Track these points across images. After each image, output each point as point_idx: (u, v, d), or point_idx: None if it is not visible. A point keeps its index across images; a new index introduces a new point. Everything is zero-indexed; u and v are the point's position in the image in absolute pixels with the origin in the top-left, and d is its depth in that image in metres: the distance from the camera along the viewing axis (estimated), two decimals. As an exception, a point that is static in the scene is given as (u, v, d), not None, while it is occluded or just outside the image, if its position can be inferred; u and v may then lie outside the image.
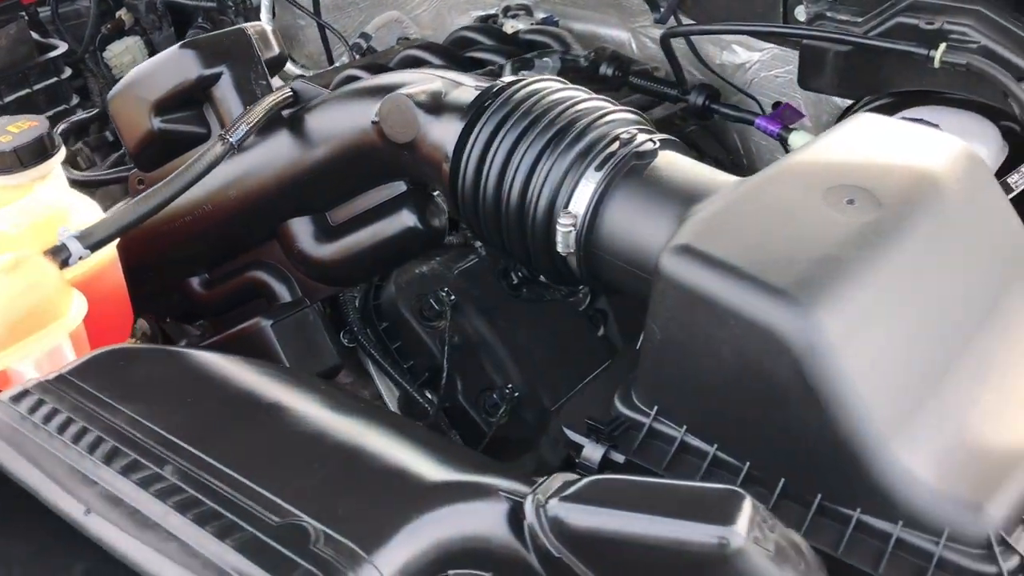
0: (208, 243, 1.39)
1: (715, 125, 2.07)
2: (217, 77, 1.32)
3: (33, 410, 0.80)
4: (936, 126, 1.23)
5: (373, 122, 1.20)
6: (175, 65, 1.32)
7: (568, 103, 1.07)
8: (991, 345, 0.88)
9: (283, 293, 1.40)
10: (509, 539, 0.73)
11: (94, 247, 1.08)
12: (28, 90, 2.15)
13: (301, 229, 1.35)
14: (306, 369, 1.38)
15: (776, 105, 1.82)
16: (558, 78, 1.15)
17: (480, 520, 0.73)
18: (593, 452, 0.93)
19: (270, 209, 1.34)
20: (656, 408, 0.93)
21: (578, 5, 2.36)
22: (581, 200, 1.00)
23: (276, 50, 1.40)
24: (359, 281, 1.44)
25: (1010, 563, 0.77)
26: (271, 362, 1.34)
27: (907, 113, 1.38)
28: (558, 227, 1.00)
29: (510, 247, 1.09)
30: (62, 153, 1.17)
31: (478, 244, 1.63)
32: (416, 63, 2.04)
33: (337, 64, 2.41)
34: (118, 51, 2.41)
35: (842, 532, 0.82)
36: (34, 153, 1.13)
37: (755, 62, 1.95)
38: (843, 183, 0.91)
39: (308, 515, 0.69)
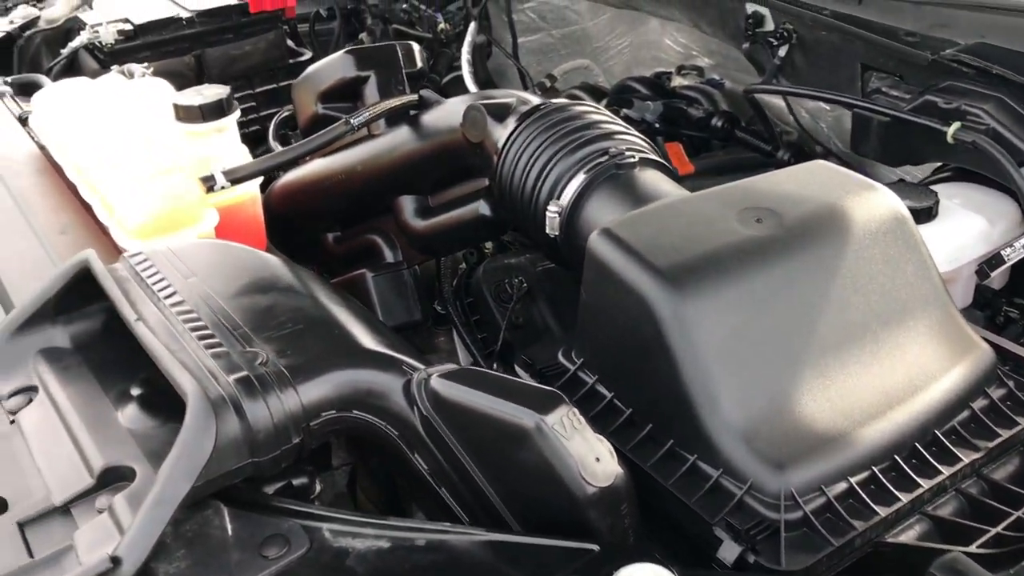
0: (340, 206, 1.78)
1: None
2: (367, 79, 1.70)
3: (139, 264, 1.18)
4: (933, 192, 1.36)
5: (460, 125, 1.52)
6: (338, 65, 1.72)
7: (586, 122, 1.34)
8: (847, 356, 1.04)
9: (389, 255, 1.75)
10: (401, 400, 1.01)
11: (235, 181, 1.47)
12: (275, 85, 2.68)
13: (407, 205, 1.69)
14: (391, 318, 1.72)
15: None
16: (596, 105, 1.42)
17: (385, 382, 1.01)
18: (525, 384, 1.18)
19: (386, 186, 1.70)
20: (582, 360, 1.17)
21: (749, 72, 2.58)
22: (568, 194, 1.26)
23: (419, 65, 1.76)
24: (443, 253, 1.76)
25: (792, 515, 0.95)
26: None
27: (943, 187, 1.50)
28: (547, 213, 1.27)
29: (524, 228, 1.37)
30: (236, 114, 1.58)
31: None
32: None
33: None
34: (354, 66, 2.92)
35: (678, 470, 1.02)
36: (213, 111, 1.55)
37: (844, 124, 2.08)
38: (761, 206, 1.12)
39: (267, 349, 1.01)
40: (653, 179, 1.24)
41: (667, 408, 1.05)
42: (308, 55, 2.72)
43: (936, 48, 1.46)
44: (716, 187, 1.18)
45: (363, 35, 2.92)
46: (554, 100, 1.43)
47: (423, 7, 2.65)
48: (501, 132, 1.44)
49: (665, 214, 1.14)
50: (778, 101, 2.49)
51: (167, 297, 1.10)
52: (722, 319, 1.03)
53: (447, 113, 1.60)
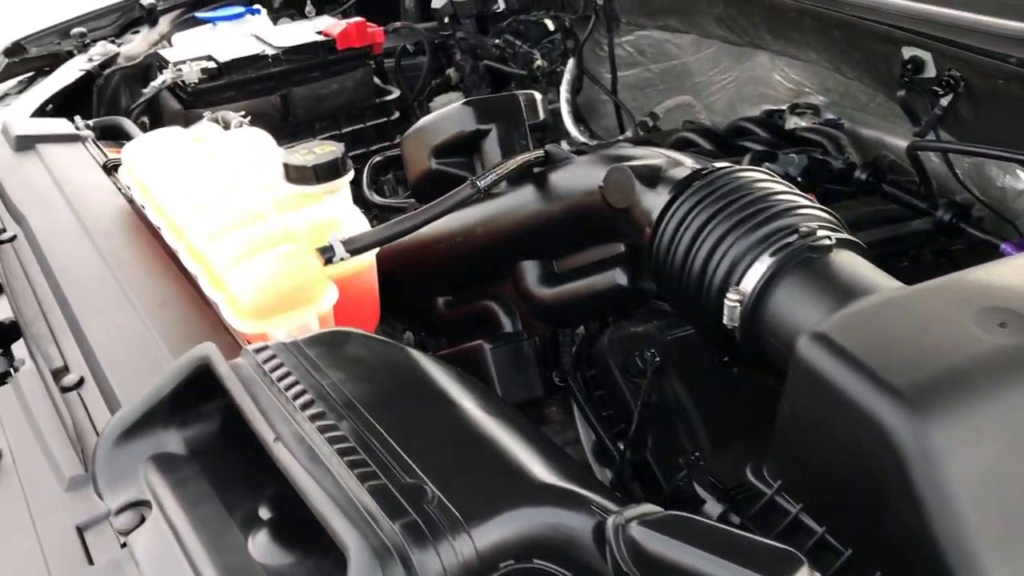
0: (455, 270, 1.62)
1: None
2: (487, 132, 1.55)
3: (266, 361, 1.03)
4: None
5: (600, 187, 1.36)
6: (456, 118, 1.57)
7: (761, 193, 1.17)
8: None
9: (507, 324, 1.59)
10: (591, 548, 0.84)
11: (354, 252, 1.33)
12: (362, 125, 2.55)
13: (530, 271, 1.53)
14: (511, 393, 1.56)
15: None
16: (764, 169, 1.25)
17: (570, 525, 0.85)
18: (712, 508, 1.01)
19: (508, 250, 1.54)
20: (780, 482, 0.99)
21: (867, 111, 2.38)
22: (751, 280, 1.09)
23: (541, 116, 1.61)
24: (570, 324, 1.59)
25: None
26: (469, 375, 1.54)
27: None
28: (726, 301, 1.10)
29: (685, 309, 1.20)
30: (350, 175, 1.43)
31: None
32: (687, 144, 2.19)
33: (620, 137, 2.62)
34: (440, 103, 2.78)
35: (922, 634, 0.84)
36: (328, 172, 1.40)
37: (1007, 177, 1.88)
38: (1001, 306, 0.94)
39: (432, 482, 0.85)
40: (854, 265, 1.06)
41: (904, 558, 0.87)
42: (396, 93, 2.58)
43: None
44: (937, 280, 1.00)
45: (450, 71, 2.79)
46: (716, 164, 1.26)
47: (518, 43, 2.51)
48: (654, 199, 1.27)
49: (886, 315, 0.96)
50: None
51: (304, 407, 0.95)
52: (979, 453, 0.85)
53: (580, 172, 1.44)
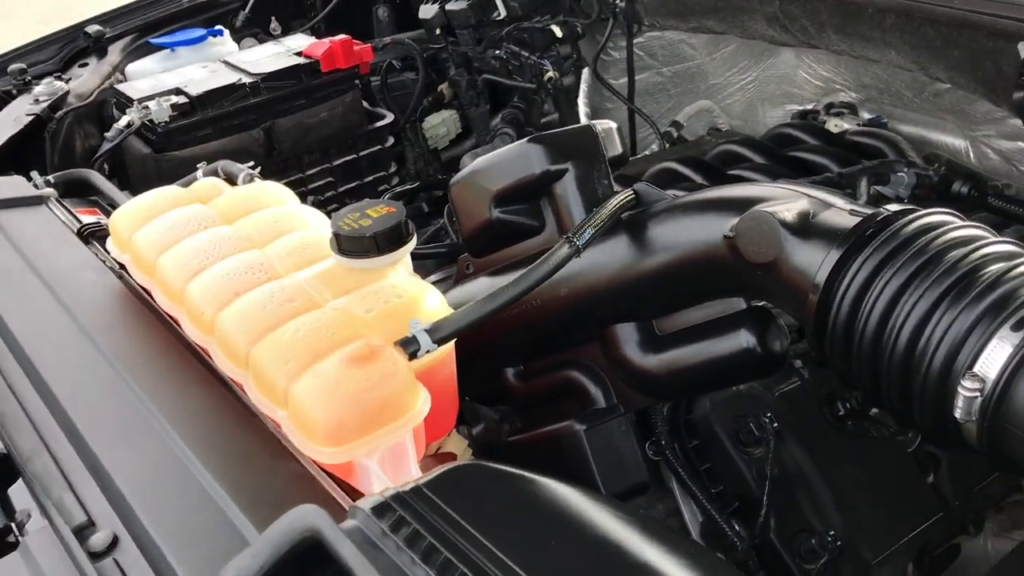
0: (531, 337, 1.37)
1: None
2: (561, 173, 1.30)
3: (389, 524, 0.78)
4: None
5: (726, 236, 1.12)
6: (521, 159, 1.31)
7: (972, 245, 0.94)
8: None
9: (598, 397, 1.35)
10: None
11: (441, 341, 1.07)
12: (355, 155, 2.27)
13: (627, 335, 1.28)
14: (613, 483, 1.32)
15: None
16: (951, 211, 1.02)
17: None
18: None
19: (599, 311, 1.29)
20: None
21: (910, 107, 2.19)
22: (993, 363, 0.86)
23: (619, 149, 1.36)
24: (681, 397, 1.36)
25: None
26: (590, 487, 1.30)
27: None
28: (960, 391, 0.86)
29: (889, 400, 0.97)
30: (414, 241, 1.17)
31: (799, 364, 1.51)
32: (736, 159, 1.96)
33: (647, 152, 2.38)
34: (435, 123, 2.51)
35: None
36: (391, 240, 1.14)
37: None
38: None
39: None
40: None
41: None
42: (389, 117, 2.30)
43: None
44: None
45: (443, 87, 2.51)
46: (895, 207, 1.03)
47: (524, 54, 2.25)
48: (812, 254, 1.03)
49: None
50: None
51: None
52: None
53: (688, 216, 1.20)
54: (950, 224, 0.98)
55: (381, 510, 0.79)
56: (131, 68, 2.35)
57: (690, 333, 1.25)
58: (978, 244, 0.94)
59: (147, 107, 2.02)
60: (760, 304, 1.22)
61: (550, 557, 0.77)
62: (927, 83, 2.03)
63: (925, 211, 1.01)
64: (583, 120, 2.31)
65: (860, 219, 1.02)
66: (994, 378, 0.85)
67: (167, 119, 2.02)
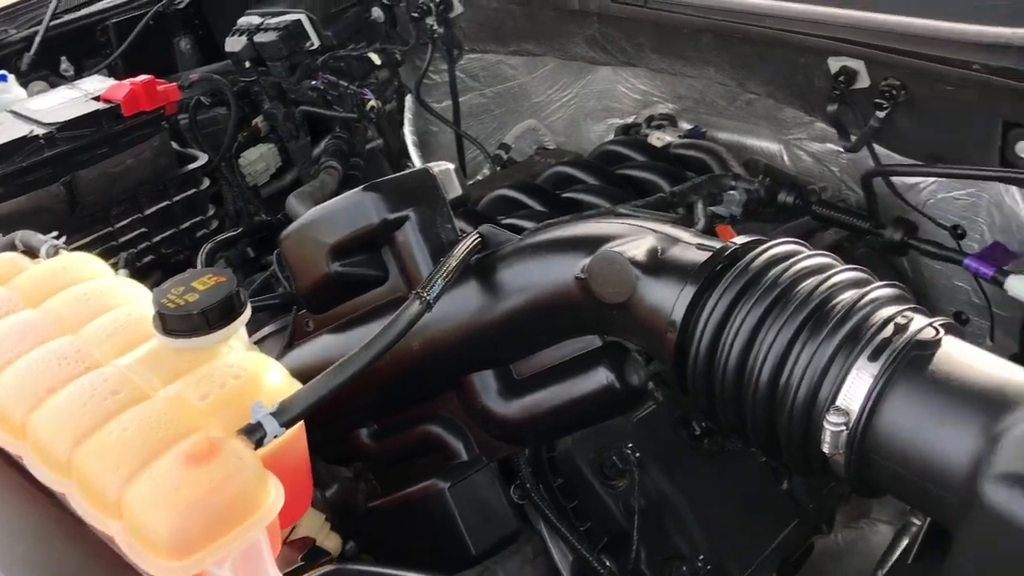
0: (384, 395, 1.30)
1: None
2: (402, 221, 1.24)
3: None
4: None
5: (578, 277, 1.09)
6: (358, 208, 1.24)
7: (822, 275, 0.95)
8: None
9: (459, 450, 1.29)
10: None
11: (290, 423, 0.98)
12: (168, 202, 2.12)
13: (485, 383, 1.24)
14: (482, 538, 1.27)
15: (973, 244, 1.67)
16: (797, 240, 1.03)
17: None
18: None
19: (453, 362, 1.24)
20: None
21: (725, 115, 2.26)
22: (854, 396, 0.86)
23: (459, 190, 1.31)
24: (545, 441, 1.32)
25: None
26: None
27: None
28: (826, 425, 0.86)
29: (755, 436, 0.96)
30: (248, 313, 1.08)
31: (651, 386, 1.51)
32: (568, 181, 1.96)
33: (479, 176, 2.35)
34: (252, 158, 2.38)
35: None
36: (222, 314, 1.05)
37: (931, 182, 1.80)
38: None
39: None
40: (972, 359, 0.86)
41: None
42: (203, 159, 2.16)
43: None
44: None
45: (258, 121, 2.39)
46: (741, 240, 1.03)
47: (342, 83, 2.16)
48: (666, 292, 1.02)
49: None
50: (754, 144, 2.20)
51: None
52: None
53: (543, 260, 1.16)
54: (798, 254, 0.99)
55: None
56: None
57: (549, 375, 1.22)
58: (828, 273, 0.95)
59: (-77, 169, 1.80)
60: (615, 340, 1.20)
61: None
62: (739, 92, 2.09)
63: (771, 242, 1.01)
64: (410, 146, 2.25)
65: (710, 254, 1.02)
66: (857, 410, 0.86)
67: (-51, 180, 1.81)
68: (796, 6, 1.43)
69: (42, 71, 2.40)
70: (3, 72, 2.23)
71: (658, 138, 2.22)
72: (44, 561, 0.94)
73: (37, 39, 2.41)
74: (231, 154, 2.35)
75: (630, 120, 2.40)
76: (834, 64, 1.48)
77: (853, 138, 1.56)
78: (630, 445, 1.37)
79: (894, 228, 1.60)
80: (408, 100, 2.28)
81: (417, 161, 2.22)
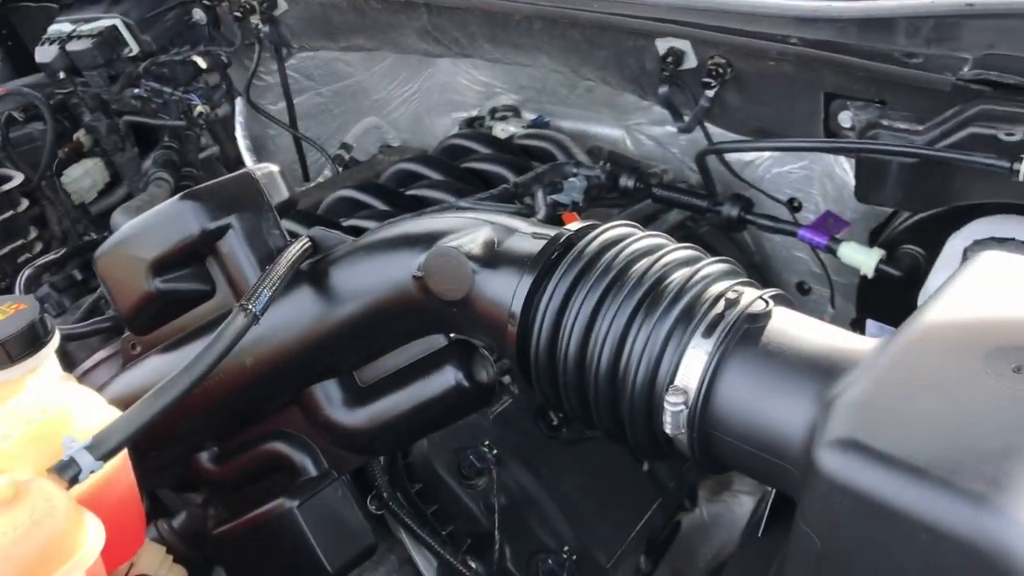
0: (220, 416, 1.22)
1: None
2: (224, 230, 1.16)
3: None
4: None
5: (415, 276, 1.05)
6: (175, 220, 1.16)
7: (655, 255, 0.94)
8: None
9: (306, 466, 1.23)
10: None
11: (107, 456, 0.90)
12: (-19, 227, 1.96)
13: (328, 394, 1.18)
14: (337, 555, 1.21)
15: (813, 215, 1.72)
16: (629, 222, 1.02)
17: None
18: None
19: (292, 375, 1.18)
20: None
21: (567, 104, 2.27)
22: (691, 374, 0.85)
23: (285, 193, 1.25)
24: (397, 448, 1.28)
25: None
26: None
27: (974, 226, 1.28)
28: (666, 406, 0.85)
29: (600, 423, 0.95)
30: (56, 341, 0.99)
31: (507, 380, 1.49)
32: (412, 178, 1.91)
33: (320, 179, 2.27)
34: (76, 175, 2.23)
35: None
36: (25, 344, 0.95)
37: (766, 158, 1.85)
38: (1001, 345, 0.79)
39: None
40: (804, 329, 0.87)
41: None
42: (18, 178, 2.01)
43: (942, 67, 1.22)
44: (911, 328, 0.83)
45: (79, 134, 2.24)
46: (575, 226, 1.01)
47: (167, 90, 2.04)
48: (503, 284, 0.99)
49: (897, 392, 0.77)
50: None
51: None
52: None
53: (376, 262, 1.11)
54: (631, 236, 0.97)
55: None
56: None
57: (395, 379, 1.17)
58: (660, 254, 0.94)
59: None
60: (461, 337, 1.17)
61: None
62: (579, 80, 2.09)
63: (605, 226, 1.00)
64: (243, 151, 2.15)
65: (545, 242, 0.99)
66: (695, 389, 0.85)
67: None
68: (622, -11, 1.43)
69: None
70: None
71: (502, 130, 2.20)
72: None
73: None
74: (51, 172, 2.19)
75: (475, 113, 2.38)
76: (661, 46, 1.49)
77: (687, 119, 1.57)
78: (487, 443, 1.34)
79: (731, 205, 1.63)
80: (239, 103, 2.18)
81: (251, 165, 2.13)
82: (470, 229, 1.06)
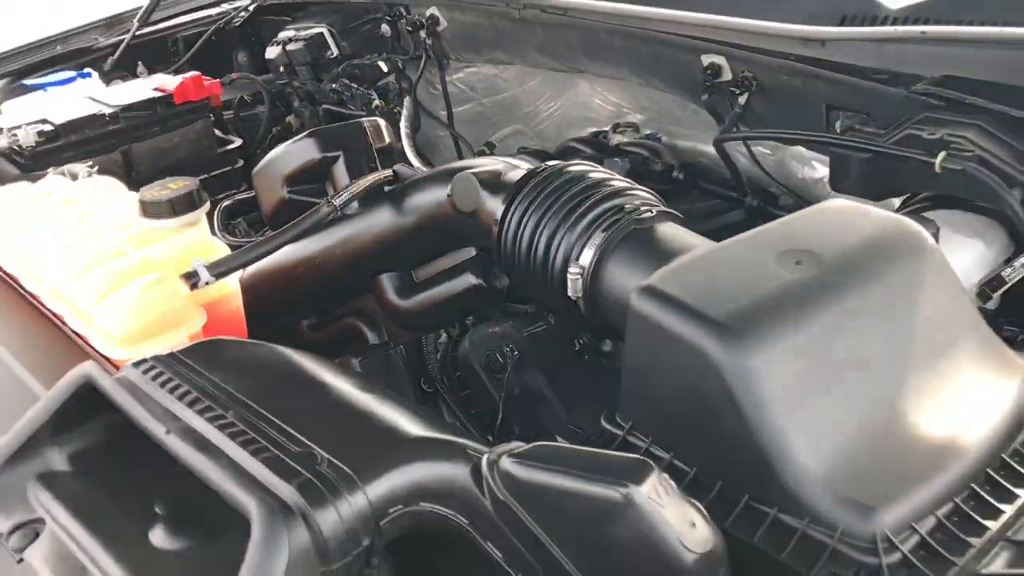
0: (317, 292, 1.70)
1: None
2: (335, 159, 1.65)
3: (147, 372, 1.09)
4: (932, 222, 1.39)
5: (448, 196, 1.48)
6: (303, 148, 1.66)
7: (592, 181, 1.32)
8: (910, 389, 1.03)
9: (372, 337, 1.68)
10: (469, 485, 0.94)
11: (219, 275, 1.39)
12: (206, 176, 2.59)
13: (390, 284, 1.63)
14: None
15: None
16: (588, 163, 1.40)
17: (449, 469, 0.95)
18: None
19: (367, 266, 1.63)
20: (631, 423, 1.12)
21: (681, 124, 2.62)
22: (587, 255, 1.23)
23: (387, 140, 1.72)
24: (433, 329, 1.70)
25: (891, 557, 0.92)
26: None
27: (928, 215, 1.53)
28: (568, 275, 1.23)
29: (536, 295, 1.33)
30: (206, 206, 1.50)
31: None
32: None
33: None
34: (284, 150, 2.84)
35: (760, 525, 0.98)
36: (184, 205, 1.47)
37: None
38: (795, 248, 1.11)
39: (321, 449, 0.93)
40: (674, 232, 1.22)
41: (737, 463, 1.01)
42: (237, 142, 2.63)
43: (907, 84, 1.51)
44: (744, 234, 1.16)
45: (290, 118, 2.86)
46: (549, 163, 1.41)
47: (355, 86, 2.62)
48: (497, 201, 1.40)
49: (702, 265, 1.11)
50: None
51: (191, 404, 1.01)
52: (785, 365, 1.00)
53: (427, 185, 1.56)
54: (579, 171, 1.36)
55: (139, 364, 1.10)
56: (6, 105, 2.64)
57: (436, 278, 1.61)
58: (594, 181, 1.32)
59: (15, 134, 2.31)
60: (486, 252, 1.58)
61: (291, 404, 1.05)
62: (688, 103, 2.45)
63: (563, 164, 1.38)
64: (404, 140, 2.68)
65: (525, 172, 1.40)
66: (588, 264, 1.22)
67: (33, 143, 2.31)
68: (675, 12, 1.81)
69: (121, 72, 2.94)
70: (88, 70, 2.77)
71: (617, 140, 2.59)
72: (54, 357, 1.36)
73: (121, 47, 2.96)
74: (266, 145, 2.82)
75: (605, 128, 2.78)
76: (704, 60, 1.84)
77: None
78: (510, 345, 1.73)
79: (753, 196, 1.94)
80: (406, 103, 2.71)
81: (410, 154, 2.64)
82: (490, 165, 1.48)
